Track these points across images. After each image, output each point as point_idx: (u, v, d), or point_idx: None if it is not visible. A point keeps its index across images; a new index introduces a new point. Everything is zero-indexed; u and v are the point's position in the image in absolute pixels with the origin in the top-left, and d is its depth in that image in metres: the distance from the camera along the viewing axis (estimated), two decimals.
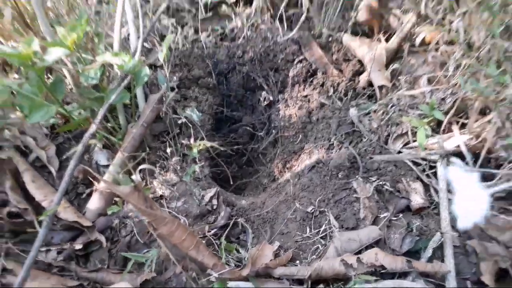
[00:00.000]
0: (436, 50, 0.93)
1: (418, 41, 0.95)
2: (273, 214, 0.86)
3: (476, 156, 0.82)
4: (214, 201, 0.82)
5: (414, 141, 0.88)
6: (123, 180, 0.75)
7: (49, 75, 0.90)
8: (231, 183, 0.97)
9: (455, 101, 0.83)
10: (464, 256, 0.75)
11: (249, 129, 1.14)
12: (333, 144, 0.93)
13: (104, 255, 0.77)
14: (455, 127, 0.85)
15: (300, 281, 0.72)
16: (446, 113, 0.84)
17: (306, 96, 1.08)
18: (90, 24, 0.85)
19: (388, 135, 0.91)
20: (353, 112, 0.94)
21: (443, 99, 0.85)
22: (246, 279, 0.69)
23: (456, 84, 0.84)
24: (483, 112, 0.82)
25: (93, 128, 0.74)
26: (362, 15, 1.06)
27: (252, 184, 1.06)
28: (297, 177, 0.92)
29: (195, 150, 0.79)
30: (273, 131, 1.10)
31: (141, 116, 0.85)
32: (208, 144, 0.82)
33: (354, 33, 1.10)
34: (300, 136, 1.02)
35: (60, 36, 0.76)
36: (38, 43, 0.72)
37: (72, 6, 0.91)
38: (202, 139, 0.91)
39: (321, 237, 0.79)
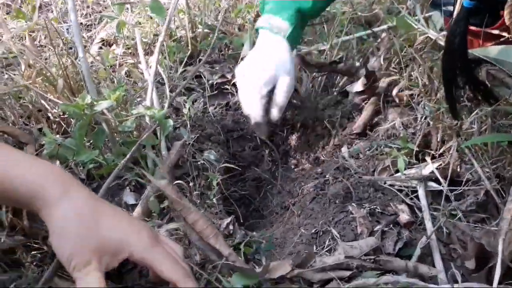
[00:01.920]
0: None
1: (394, 93, 1.19)
2: (282, 240, 0.99)
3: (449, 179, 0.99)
4: (231, 227, 0.94)
5: (396, 171, 1.05)
6: (152, 203, 0.89)
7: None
8: (241, 221, 1.10)
9: (423, 135, 1.04)
10: (451, 262, 0.88)
11: (254, 183, 1.30)
12: (328, 179, 1.09)
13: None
14: (427, 157, 1.04)
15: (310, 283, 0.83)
16: (418, 146, 1.04)
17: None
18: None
19: (374, 170, 1.08)
20: (344, 150, 1.13)
21: (413, 133, 1.06)
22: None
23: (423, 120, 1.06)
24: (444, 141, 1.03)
25: (120, 165, 0.91)
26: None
27: (260, 224, 1.19)
28: (300, 209, 1.06)
29: (214, 183, 0.95)
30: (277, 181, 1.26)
31: (167, 158, 1.01)
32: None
33: None
34: (299, 176, 1.19)
35: (105, 95, 0.97)
36: (89, 98, 0.92)
37: (109, 74, 1.14)
38: (218, 184, 1.07)
39: (327, 251, 0.91)
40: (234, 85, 1.45)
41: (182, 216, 0.78)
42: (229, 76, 1.47)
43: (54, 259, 0.87)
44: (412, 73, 1.19)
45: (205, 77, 1.45)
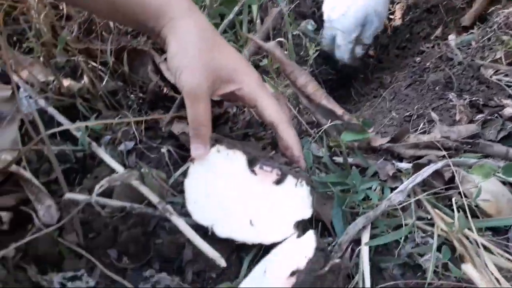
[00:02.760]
0: None
1: None
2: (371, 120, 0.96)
3: None
4: None
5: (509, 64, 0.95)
6: None
7: None
8: None
9: None
10: None
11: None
12: (428, 67, 1.02)
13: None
14: None
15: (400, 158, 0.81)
16: None
17: None
18: None
19: (481, 66, 0.99)
20: (451, 38, 1.04)
21: None
22: None
23: None
24: None
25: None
26: None
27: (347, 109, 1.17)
28: (392, 95, 1.02)
29: (310, 52, 0.92)
30: None
31: (263, 25, 0.99)
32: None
33: None
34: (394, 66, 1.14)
35: None
36: None
37: None
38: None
39: (420, 133, 0.87)
40: None
41: (291, 79, 0.77)
42: None
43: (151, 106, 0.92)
44: None
45: None
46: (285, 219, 0.59)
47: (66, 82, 0.86)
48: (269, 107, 0.64)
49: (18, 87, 0.81)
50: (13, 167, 0.71)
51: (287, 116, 0.68)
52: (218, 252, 0.57)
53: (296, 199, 0.60)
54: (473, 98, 0.92)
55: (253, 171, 0.63)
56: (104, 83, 0.90)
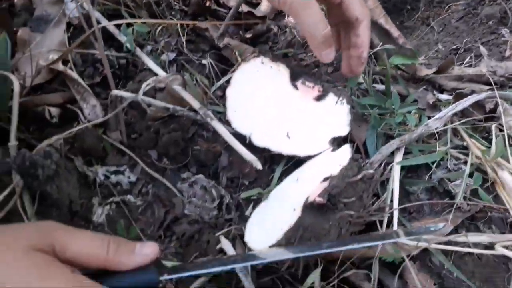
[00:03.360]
0: None
1: None
2: None
3: None
4: None
5: None
6: None
7: None
8: None
9: None
10: None
11: None
12: (484, 0, 0.96)
13: None
14: None
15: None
16: None
17: None
18: None
19: None
20: None
21: None
22: None
23: None
24: None
25: None
26: None
27: None
28: (441, 26, 0.97)
29: None
30: None
31: None
32: None
33: None
34: None
35: None
36: None
37: None
38: None
39: (466, 67, 0.85)
40: None
41: None
42: None
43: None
44: None
45: None
46: (322, 135, 0.60)
47: None
48: (356, 2, 0.61)
49: None
50: (61, 67, 0.74)
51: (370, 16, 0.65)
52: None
53: (335, 116, 0.61)
54: None
55: (295, 86, 0.63)
56: None
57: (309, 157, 0.59)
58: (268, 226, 0.50)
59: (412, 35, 1.04)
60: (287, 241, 0.45)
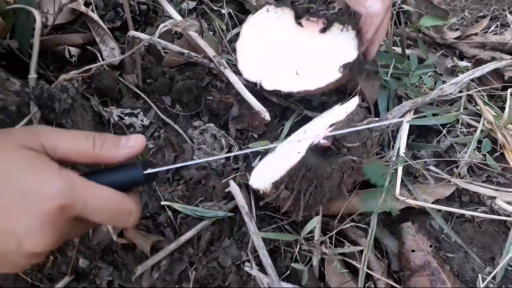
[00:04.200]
0: None
1: None
2: None
3: None
4: None
5: None
6: None
7: None
8: None
9: None
10: None
11: None
12: None
13: None
14: None
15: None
16: None
17: None
18: None
19: None
20: None
21: None
22: None
23: None
24: None
25: None
26: None
27: None
28: None
29: None
30: None
31: None
32: None
33: None
34: None
35: None
36: None
37: None
38: None
39: (490, 34, 0.82)
40: None
41: None
42: None
43: None
44: None
45: None
46: (330, 64, 0.59)
47: None
48: None
49: None
50: (83, 8, 0.74)
51: None
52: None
53: (342, 44, 0.60)
54: None
55: (299, 24, 0.63)
56: None
57: (319, 89, 0.58)
58: (273, 168, 0.51)
59: None
60: (289, 178, 0.45)
